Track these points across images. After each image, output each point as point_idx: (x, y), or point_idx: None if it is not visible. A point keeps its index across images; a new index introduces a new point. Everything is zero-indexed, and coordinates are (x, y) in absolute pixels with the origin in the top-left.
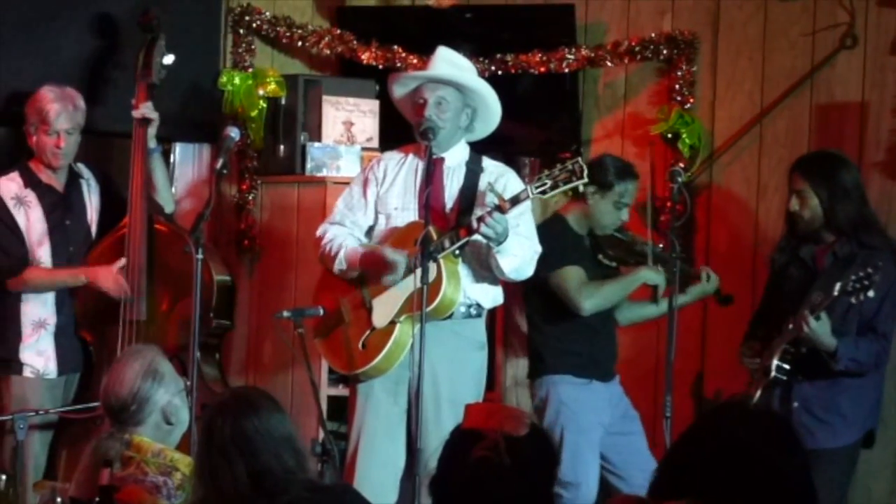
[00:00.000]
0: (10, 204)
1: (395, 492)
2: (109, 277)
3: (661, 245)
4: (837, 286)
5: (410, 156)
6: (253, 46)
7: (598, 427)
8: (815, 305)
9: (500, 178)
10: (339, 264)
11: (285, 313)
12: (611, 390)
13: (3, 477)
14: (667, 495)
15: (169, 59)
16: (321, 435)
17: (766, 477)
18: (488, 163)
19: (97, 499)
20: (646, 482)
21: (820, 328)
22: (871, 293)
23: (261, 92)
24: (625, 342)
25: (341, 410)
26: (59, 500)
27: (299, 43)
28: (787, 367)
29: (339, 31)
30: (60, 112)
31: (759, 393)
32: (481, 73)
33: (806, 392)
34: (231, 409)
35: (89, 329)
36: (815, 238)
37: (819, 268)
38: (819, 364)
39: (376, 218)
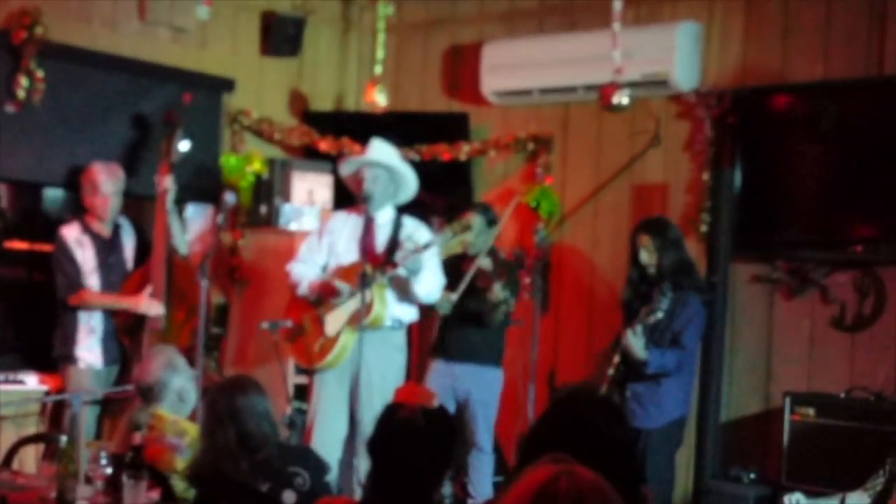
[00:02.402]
0: (72, 244)
1: (340, 451)
2: (144, 304)
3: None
4: (643, 310)
5: (353, 214)
6: (244, 137)
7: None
8: (631, 323)
9: (416, 230)
10: (303, 289)
11: (264, 325)
12: (452, 370)
13: (65, 438)
14: (530, 459)
15: (185, 146)
16: (289, 410)
17: (602, 442)
18: (407, 220)
19: (130, 454)
20: None
21: (635, 342)
22: (659, 314)
23: (249, 169)
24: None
25: (303, 393)
26: (103, 454)
27: (277, 135)
28: (621, 369)
29: (305, 127)
30: (106, 180)
31: (605, 387)
32: (404, 158)
33: (635, 388)
34: (227, 389)
35: (125, 334)
36: (651, 281)
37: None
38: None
39: (329, 258)
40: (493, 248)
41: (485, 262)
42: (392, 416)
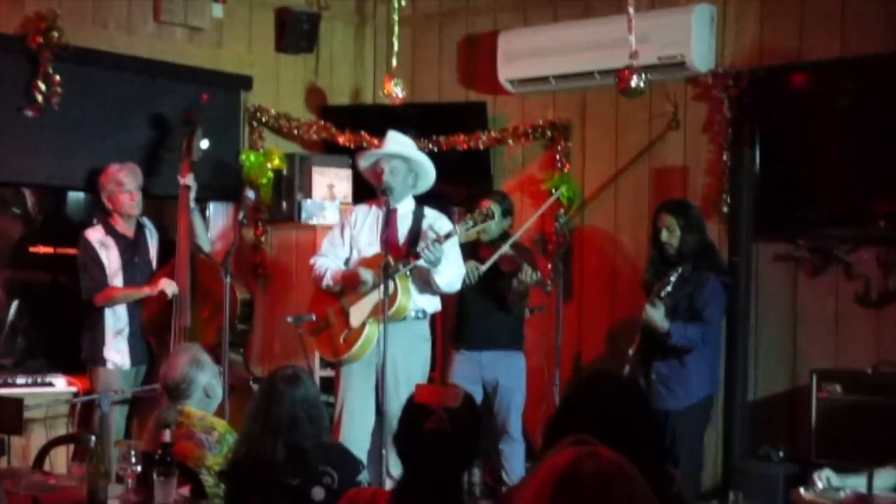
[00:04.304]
0: (97, 246)
1: (368, 442)
2: (161, 283)
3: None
4: (656, 287)
5: (374, 207)
6: (263, 134)
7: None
8: (654, 293)
9: (436, 221)
10: (327, 281)
11: (289, 319)
12: (479, 358)
13: (94, 438)
14: (554, 442)
15: (205, 144)
16: None
17: (624, 423)
18: (428, 211)
19: (160, 451)
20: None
21: (655, 313)
22: (668, 288)
23: (269, 165)
24: (529, 333)
25: (329, 386)
26: (133, 453)
27: (295, 131)
28: (642, 349)
29: (322, 122)
30: (129, 176)
31: (627, 368)
32: (422, 149)
33: (660, 369)
34: (291, 379)
35: (152, 334)
36: (671, 260)
37: None
38: (668, 346)
39: (351, 251)
40: (509, 235)
41: (505, 249)
42: (416, 422)
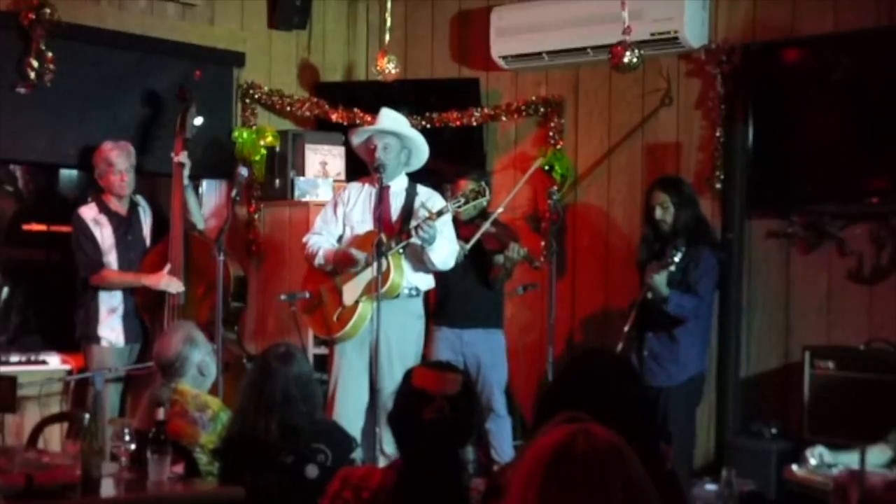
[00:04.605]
0: (91, 224)
1: (362, 420)
2: (164, 281)
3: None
4: (654, 265)
5: (367, 185)
6: (256, 111)
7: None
8: (658, 266)
9: (429, 198)
10: (319, 260)
11: (282, 297)
12: (460, 336)
13: (87, 416)
14: (545, 418)
15: (198, 121)
16: None
17: (616, 401)
18: (421, 188)
19: (154, 430)
20: None
21: (659, 280)
22: (672, 269)
23: (262, 142)
24: (522, 310)
25: (323, 364)
26: (127, 430)
27: (288, 108)
28: (636, 324)
29: (315, 99)
30: (119, 156)
31: (621, 344)
32: (415, 126)
33: (652, 346)
34: (285, 353)
35: (146, 312)
36: (665, 237)
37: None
38: (660, 323)
39: (344, 229)
40: (488, 213)
41: (487, 226)
42: (417, 412)
